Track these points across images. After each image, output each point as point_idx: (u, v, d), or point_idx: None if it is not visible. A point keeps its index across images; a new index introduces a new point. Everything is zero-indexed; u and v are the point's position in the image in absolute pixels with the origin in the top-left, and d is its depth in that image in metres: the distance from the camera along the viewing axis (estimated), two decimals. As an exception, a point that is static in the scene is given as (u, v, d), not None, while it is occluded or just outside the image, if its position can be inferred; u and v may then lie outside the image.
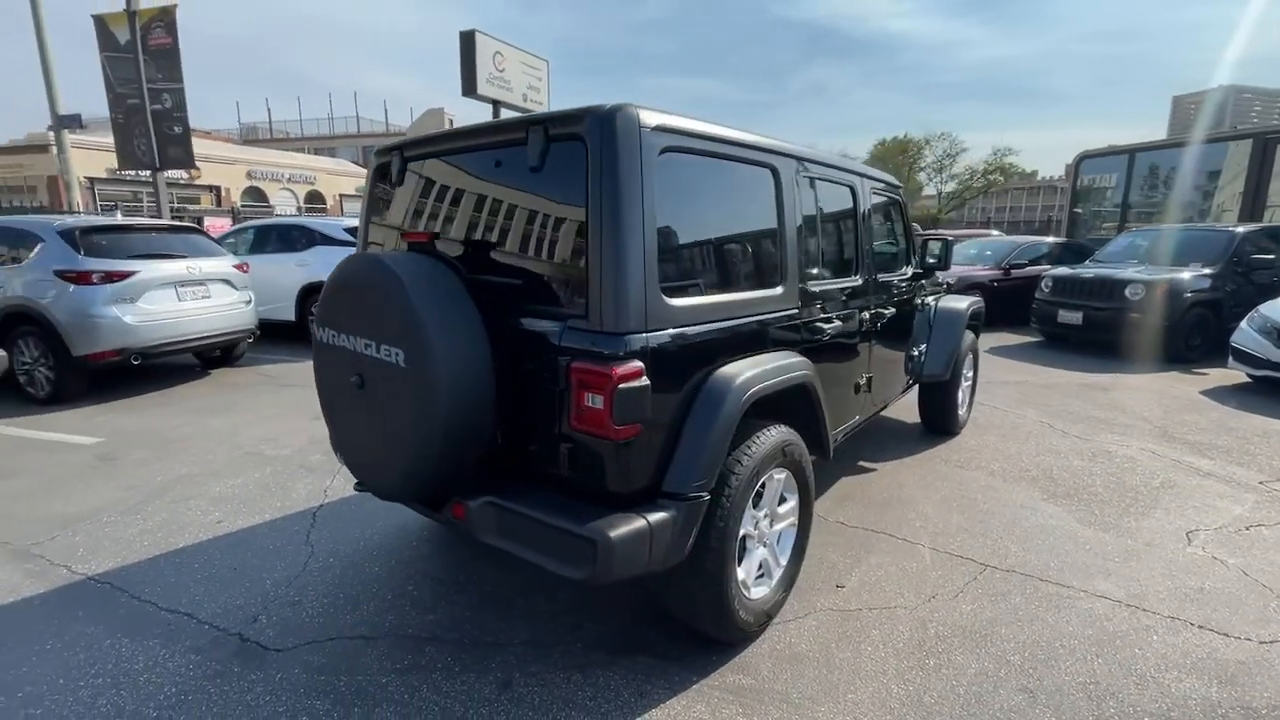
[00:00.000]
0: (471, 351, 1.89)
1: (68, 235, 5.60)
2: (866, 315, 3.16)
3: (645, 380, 1.80)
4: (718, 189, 2.23)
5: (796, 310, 2.56)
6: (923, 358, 4.29)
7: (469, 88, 18.79)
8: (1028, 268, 10.25)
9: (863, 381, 3.22)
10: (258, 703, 2.08)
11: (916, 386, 4.56)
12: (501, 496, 1.99)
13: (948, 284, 5.12)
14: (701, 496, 1.97)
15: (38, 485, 3.85)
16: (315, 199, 33.38)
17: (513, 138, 2.04)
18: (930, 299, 4.44)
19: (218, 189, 27.24)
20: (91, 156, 22.66)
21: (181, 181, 32.27)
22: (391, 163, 2.51)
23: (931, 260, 3.93)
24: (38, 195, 24.45)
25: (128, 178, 22.09)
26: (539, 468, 2.05)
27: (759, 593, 2.38)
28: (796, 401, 2.52)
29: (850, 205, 3.10)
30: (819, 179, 2.79)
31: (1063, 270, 8.79)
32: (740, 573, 2.26)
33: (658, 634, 2.42)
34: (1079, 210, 13.25)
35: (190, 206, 29.56)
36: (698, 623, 2.23)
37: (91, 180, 27.63)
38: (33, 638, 2.42)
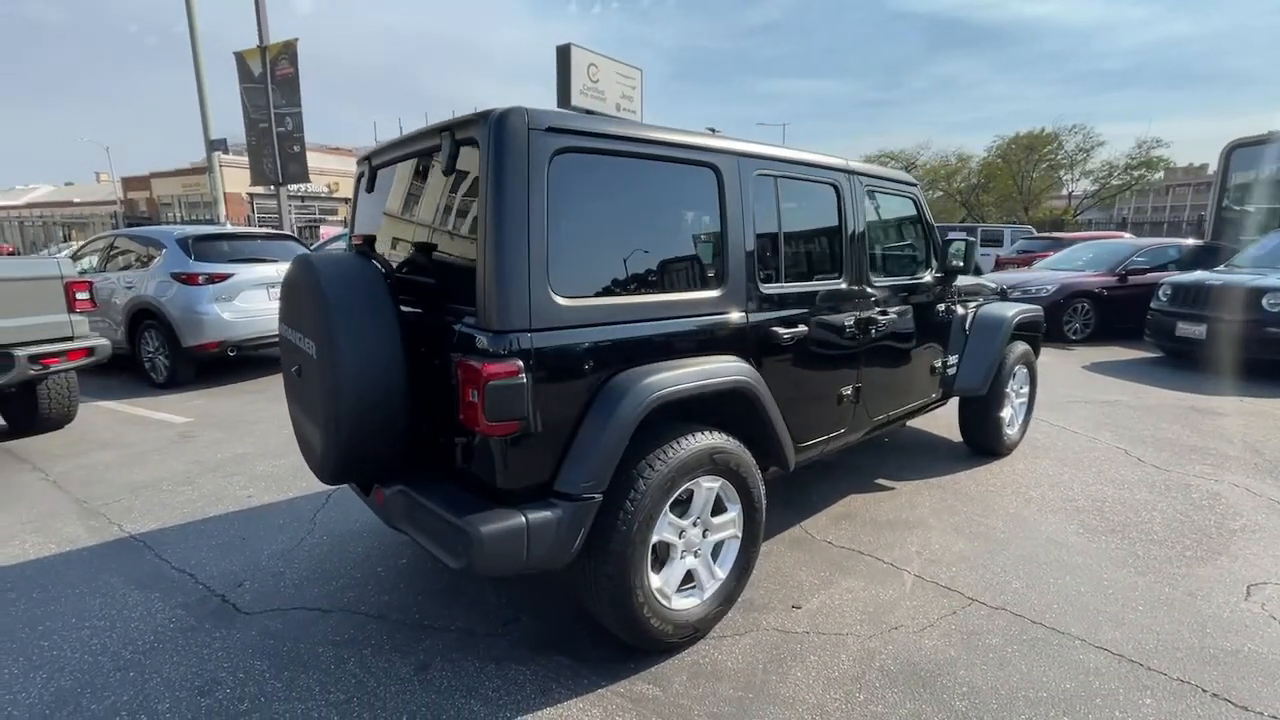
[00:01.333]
0: (379, 345, 2.00)
1: (183, 243, 6.49)
2: (852, 321, 2.96)
3: (521, 379, 1.82)
4: (638, 189, 2.20)
5: (743, 314, 2.45)
6: (954, 369, 3.94)
7: (564, 99, 19.58)
8: (1149, 274, 9.02)
9: (848, 392, 3.01)
10: (211, 656, 2.32)
11: (953, 401, 4.20)
12: (413, 486, 2.09)
13: (1002, 289, 4.65)
14: (591, 498, 1.96)
15: (128, 456, 4.49)
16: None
17: (434, 144, 2.14)
18: (969, 305, 4.07)
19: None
20: (244, 175, 25.94)
21: (323, 195, 36.08)
22: (364, 171, 2.71)
23: (955, 263, 3.59)
24: (214, 208, 28.47)
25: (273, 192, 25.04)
26: (449, 461, 2.12)
27: (684, 604, 2.31)
28: (737, 408, 2.42)
29: (832, 204, 2.92)
30: (783, 177, 2.66)
31: (1184, 276, 7.66)
32: (655, 580, 2.21)
33: (586, 636, 2.41)
34: (1229, 208, 11.44)
35: (331, 217, 33.03)
36: (607, 625, 2.20)
37: (251, 195, 31.61)
38: (68, 582, 2.84)
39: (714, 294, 2.37)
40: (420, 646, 2.37)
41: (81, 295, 4.48)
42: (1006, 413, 4.30)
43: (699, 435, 2.23)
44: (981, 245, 16.58)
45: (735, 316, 2.43)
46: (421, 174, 2.30)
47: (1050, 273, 9.79)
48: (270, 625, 2.51)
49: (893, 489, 3.84)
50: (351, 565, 2.97)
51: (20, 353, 4.11)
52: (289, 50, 11.75)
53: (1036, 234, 17.04)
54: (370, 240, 2.37)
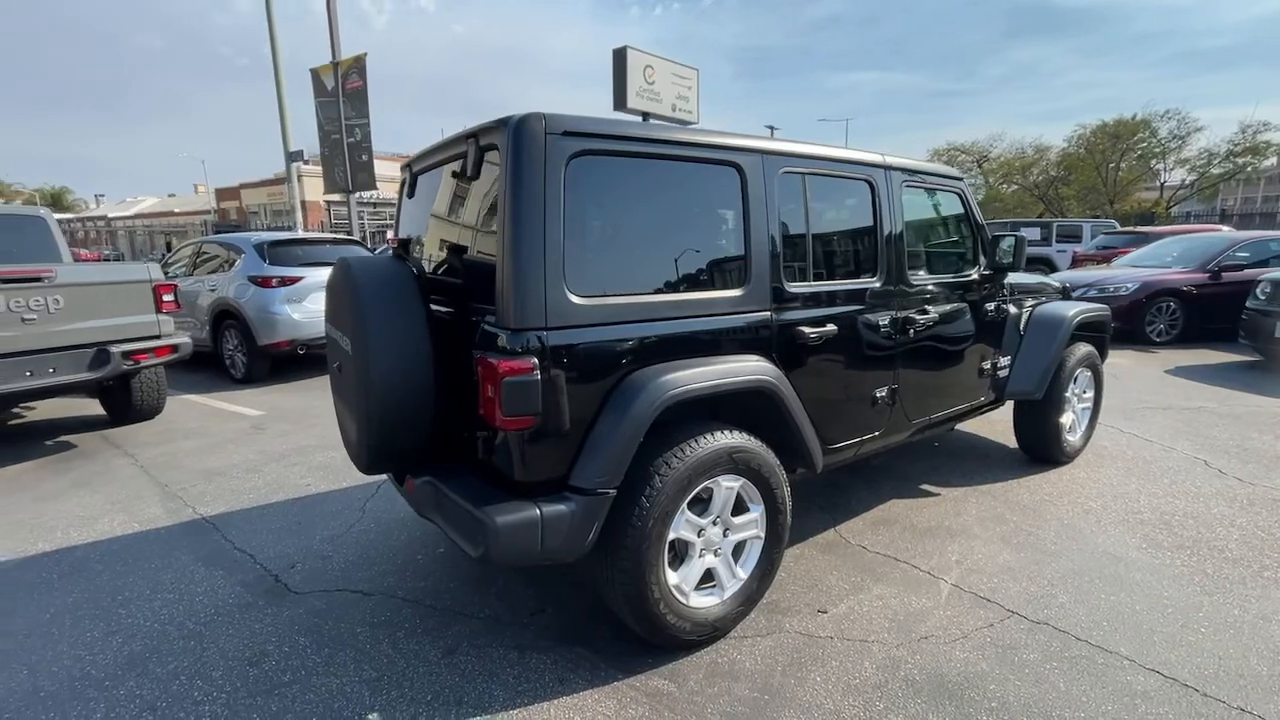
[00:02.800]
0: (409, 343, 2.11)
1: (259, 248, 6.97)
2: (886, 321, 2.87)
3: (536, 376, 1.87)
4: (658, 190, 2.22)
5: (767, 314, 2.43)
6: (1006, 371, 3.75)
7: (620, 102, 19.73)
8: (1247, 270, 8.27)
9: (883, 394, 2.92)
10: (262, 630, 2.50)
11: (1006, 404, 4.00)
12: (440, 477, 2.19)
13: (1064, 287, 4.39)
14: (605, 493, 1.99)
15: (207, 445, 4.87)
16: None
17: (462, 150, 2.23)
18: (1024, 304, 3.87)
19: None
20: (321, 184, 27.47)
21: (391, 201, 37.74)
22: (406, 177, 2.85)
23: (1005, 260, 3.42)
24: (293, 216, 30.37)
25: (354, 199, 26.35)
26: (474, 455, 2.21)
27: (703, 602, 2.31)
28: (759, 408, 2.40)
29: (866, 200, 2.85)
30: (811, 174, 2.62)
31: (1286, 272, 6.97)
32: (673, 577, 2.23)
33: (609, 630, 2.45)
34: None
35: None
36: (625, 620, 2.23)
37: (328, 202, 33.41)
38: (147, 557, 3.12)
39: (735, 293, 2.36)
40: (449, 631, 2.47)
41: (167, 297, 4.89)
42: (1067, 418, 4.06)
43: (718, 434, 2.24)
44: (1057, 241, 15.62)
45: (758, 316, 2.41)
46: (454, 179, 2.41)
47: (1132, 270, 9.12)
48: (316, 605, 2.67)
49: (938, 495, 3.70)
50: (393, 552, 3.12)
51: (115, 349, 4.53)
52: (358, 64, 12.41)
53: (1119, 229, 15.87)
54: (405, 243, 2.49)
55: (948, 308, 3.22)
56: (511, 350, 1.88)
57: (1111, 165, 30.85)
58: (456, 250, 2.37)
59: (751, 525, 2.42)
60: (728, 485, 2.30)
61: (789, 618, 2.54)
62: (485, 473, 2.16)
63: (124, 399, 5.30)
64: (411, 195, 2.83)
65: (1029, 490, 3.74)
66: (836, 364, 2.72)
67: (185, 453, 4.70)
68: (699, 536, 2.30)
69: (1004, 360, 3.73)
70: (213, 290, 7.15)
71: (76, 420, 5.65)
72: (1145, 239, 11.93)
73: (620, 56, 19.31)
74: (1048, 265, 14.70)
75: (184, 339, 5.05)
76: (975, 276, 3.41)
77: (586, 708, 2.07)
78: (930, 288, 3.13)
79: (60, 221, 6.88)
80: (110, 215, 56.44)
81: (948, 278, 3.28)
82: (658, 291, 2.20)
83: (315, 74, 12.96)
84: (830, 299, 2.66)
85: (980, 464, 4.19)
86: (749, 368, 2.30)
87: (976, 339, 3.45)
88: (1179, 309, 8.36)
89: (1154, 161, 31.12)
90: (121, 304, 4.62)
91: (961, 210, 3.42)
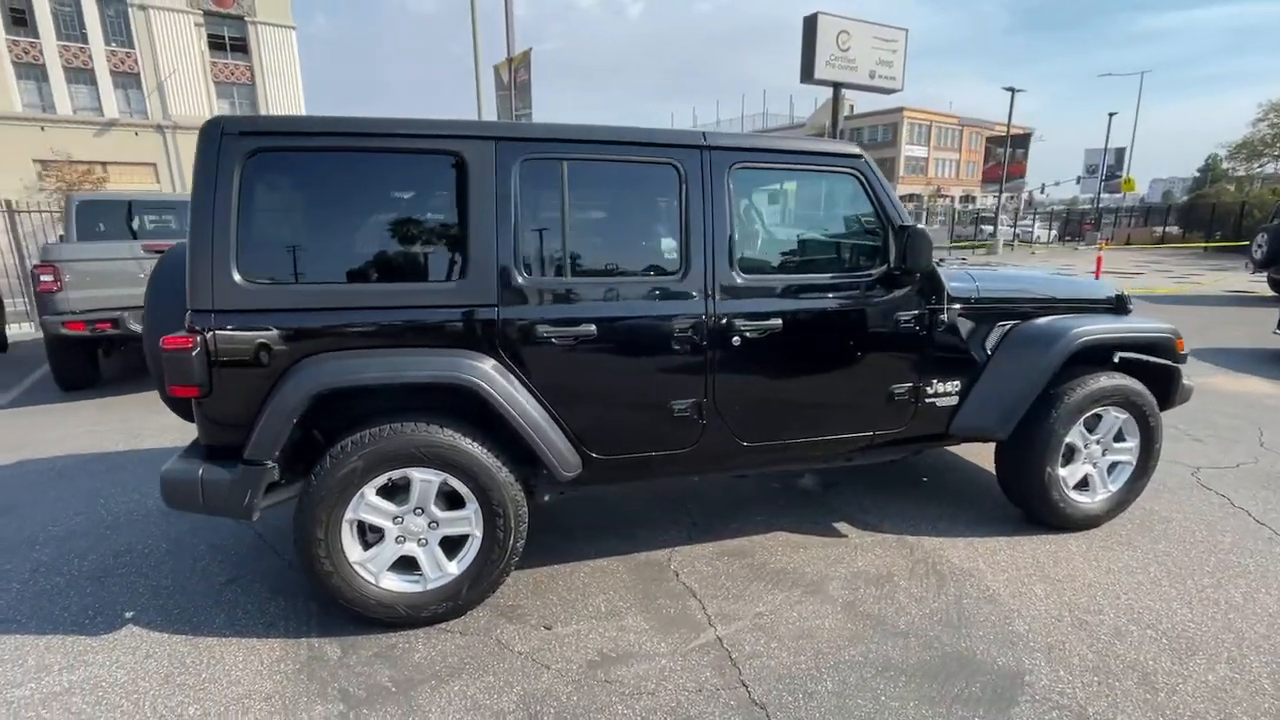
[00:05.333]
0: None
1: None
2: (689, 325, 2.49)
3: (194, 351, 2.10)
4: (358, 181, 2.24)
5: (491, 309, 2.32)
6: (954, 400, 2.95)
7: (807, 73, 18.55)
8: None
9: (686, 407, 2.55)
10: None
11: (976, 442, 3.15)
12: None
13: (1119, 296, 3.24)
14: (262, 465, 2.16)
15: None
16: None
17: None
18: (1001, 320, 2.98)
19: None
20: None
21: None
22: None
23: (908, 261, 2.65)
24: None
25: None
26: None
27: (398, 587, 2.36)
28: (471, 405, 2.32)
29: (669, 188, 2.47)
30: (576, 160, 2.37)
31: None
32: (357, 555, 2.31)
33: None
34: None
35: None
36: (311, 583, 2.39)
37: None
38: None
39: (448, 286, 2.30)
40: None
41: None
42: (1073, 471, 3.05)
43: (407, 427, 2.25)
44: None
45: (477, 311, 2.31)
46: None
47: None
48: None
49: (841, 537, 3.09)
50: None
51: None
52: (525, 59, 13.60)
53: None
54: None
55: (814, 313, 2.65)
56: (178, 326, 2.15)
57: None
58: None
59: (464, 522, 2.38)
60: (423, 478, 2.30)
61: (511, 624, 2.45)
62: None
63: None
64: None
65: (973, 555, 2.91)
66: (602, 368, 2.47)
67: None
68: (394, 523, 2.34)
69: (948, 386, 2.93)
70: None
71: None
72: None
73: (810, 24, 18.09)
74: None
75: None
76: (867, 278, 2.73)
77: (254, 648, 2.30)
78: (777, 289, 2.62)
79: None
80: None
81: (818, 277, 2.69)
82: (350, 281, 2.27)
83: (496, 70, 14.55)
84: (591, 297, 2.42)
85: (948, 509, 3.35)
86: (442, 363, 2.25)
87: (876, 355, 2.78)
88: None
89: None
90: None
91: (861, 196, 2.74)
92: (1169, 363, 3.11)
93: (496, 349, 2.35)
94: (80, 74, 28.63)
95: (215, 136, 2.13)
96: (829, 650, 2.28)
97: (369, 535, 2.37)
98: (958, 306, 2.88)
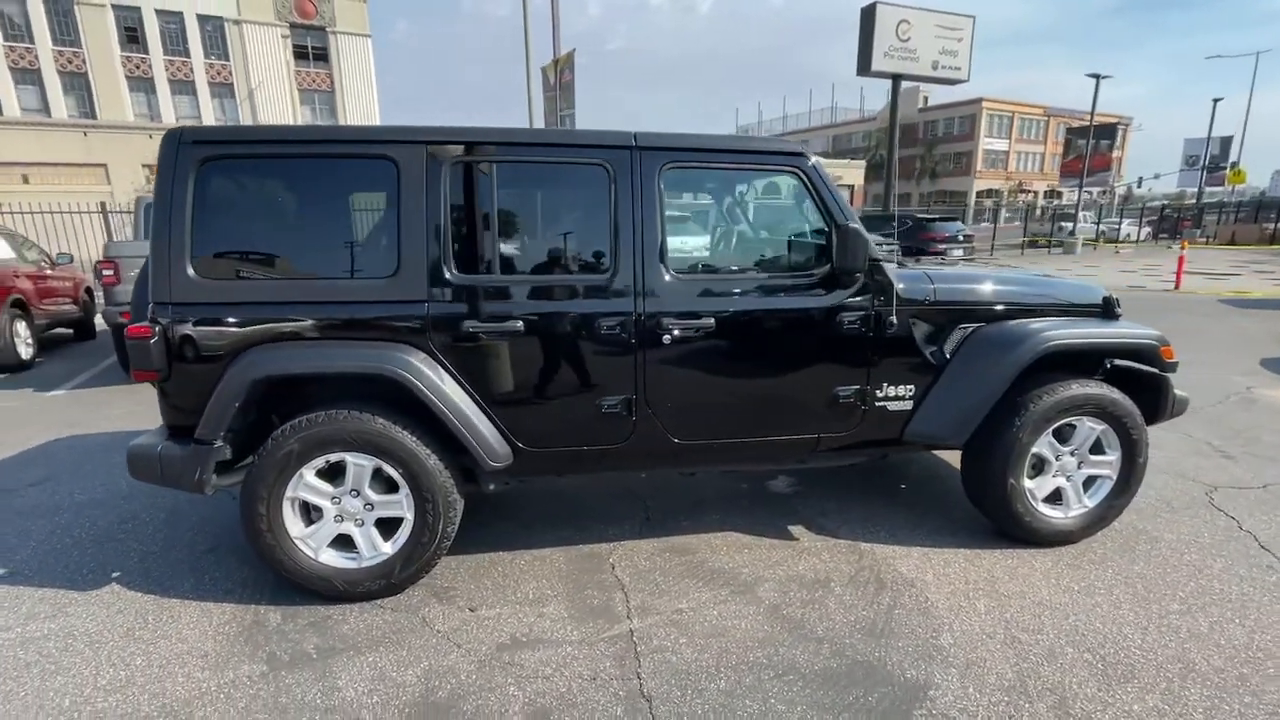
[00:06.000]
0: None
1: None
2: (616, 323, 2.53)
3: (152, 338, 2.33)
4: (302, 184, 2.42)
5: (422, 305, 2.44)
6: (907, 404, 2.85)
7: (864, 66, 17.97)
8: None
9: (615, 403, 2.59)
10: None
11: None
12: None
13: (1107, 299, 3.03)
14: (209, 443, 2.37)
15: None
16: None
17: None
18: (962, 323, 2.86)
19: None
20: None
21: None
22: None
23: (842, 260, 2.58)
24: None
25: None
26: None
27: (336, 562, 2.52)
28: (405, 396, 2.45)
29: (600, 187, 2.51)
30: (505, 162, 2.46)
31: None
32: (296, 530, 2.49)
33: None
34: None
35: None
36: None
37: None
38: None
39: (382, 283, 2.44)
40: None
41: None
42: (1042, 484, 2.89)
43: (343, 415, 2.41)
44: None
45: (408, 306, 2.44)
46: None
47: None
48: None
49: (793, 541, 3.04)
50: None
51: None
52: (569, 61, 13.85)
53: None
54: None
55: (749, 313, 2.63)
56: (140, 316, 2.39)
57: None
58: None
59: (397, 505, 2.53)
60: (357, 463, 2.46)
61: (440, 604, 2.57)
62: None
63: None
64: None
65: (924, 565, 2.81)
66: (531, 363, 2.54)
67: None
68: (332, 503, 2.51)
69: (899, 390, 2.84)
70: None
71: None
72: None
73: (868, 15, 17.51)
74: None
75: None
76: (808, 278, 2.67)
77: (208, 611, 2.52)
78: (711, 288, 2.62)
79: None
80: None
81: (754, 276, 2.67)
82: (294, 278, 2.45)
83: (544, 72, 14.87)
84: (519, 293, 2.50)
85: (916, 517, 3.24)
86: (370, 355, 2.39)
87: (817, 356, 2.72)
88: None
89: None
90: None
91: (804, 196, 2.69)
92: (1154, 370, 2.88)
93: (428, 343, 2.47)
94: (183, 85, 31.30)
95: (174, 144, 2.35)
96: (735, 650, 2.28)
97: (312, 514, 2.56)
98: (910, 308, 2.79)
